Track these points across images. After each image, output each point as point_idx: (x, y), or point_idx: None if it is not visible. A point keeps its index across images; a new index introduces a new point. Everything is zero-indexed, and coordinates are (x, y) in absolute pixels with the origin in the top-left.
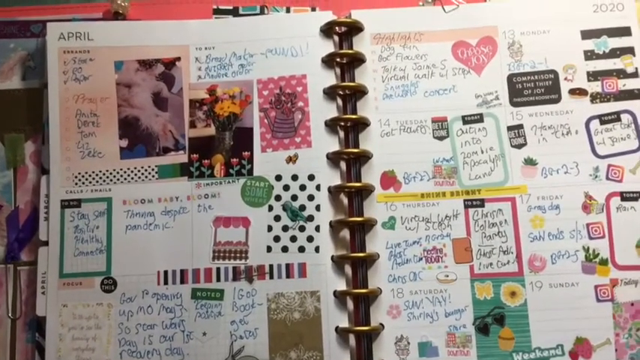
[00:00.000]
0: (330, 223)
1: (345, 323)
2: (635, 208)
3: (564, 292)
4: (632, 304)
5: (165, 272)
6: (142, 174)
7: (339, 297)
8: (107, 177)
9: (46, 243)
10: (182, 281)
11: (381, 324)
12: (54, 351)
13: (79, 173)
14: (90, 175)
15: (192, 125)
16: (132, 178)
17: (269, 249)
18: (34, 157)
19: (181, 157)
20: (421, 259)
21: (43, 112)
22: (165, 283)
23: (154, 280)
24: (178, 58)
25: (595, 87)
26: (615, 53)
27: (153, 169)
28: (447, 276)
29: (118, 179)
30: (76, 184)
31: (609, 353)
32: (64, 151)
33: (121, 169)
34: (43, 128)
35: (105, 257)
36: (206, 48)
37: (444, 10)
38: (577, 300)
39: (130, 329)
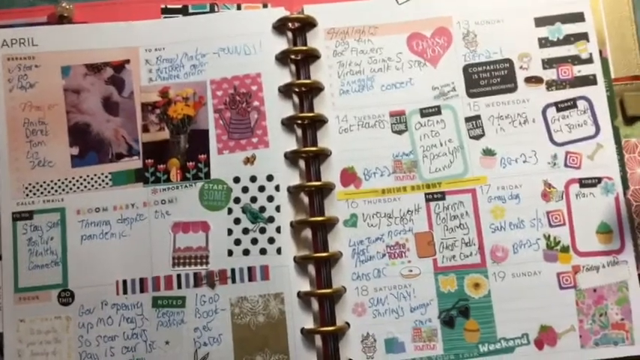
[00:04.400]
0: (291, 223)
1: (310, 324)
2: (594, 194)
3: (527, 281)
4: (595, 290)
5: (124, 282)
6: (95, 182)
7: (304, 298)
8: (59, 186)
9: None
10: (142, 290)
11: (347, 323)
12: None
13: (30, 184)
14: (41, 186)
15: (146, 129)
16: (85, 187)
17: (230, 253)
18: None
19: (135, 163)
20: (384, 255)
21: None
22: (125, 292)
23: (113, 290)
24: (127, 61)
25: (550, 74)
26: (569, 39)
27: (106, 177)
28: (411, 271)
29: (71, 188)
30: (27, 195)
31: (574, 340)
32: (13, 162)
33: (73, 178)
34: None
35: (61, 269)
36: (156, 49)
37: (397, 1)
38: (540, 288)
39: (91, 342)
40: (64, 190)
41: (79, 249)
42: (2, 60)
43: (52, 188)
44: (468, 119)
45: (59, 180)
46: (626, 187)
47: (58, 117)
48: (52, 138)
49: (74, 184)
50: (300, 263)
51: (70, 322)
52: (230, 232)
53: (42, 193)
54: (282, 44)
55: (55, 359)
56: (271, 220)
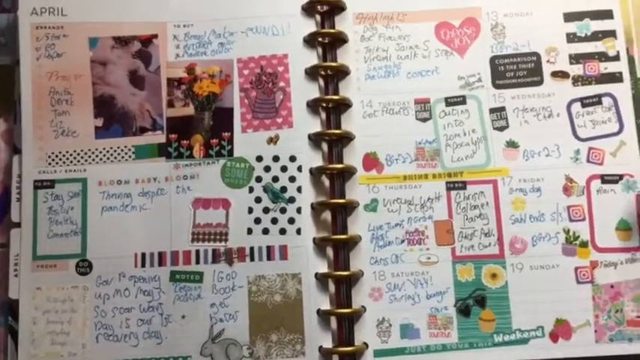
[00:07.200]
0: (312, 205)
1: (326, 306)
2: (615, 191)
3: (545, 273)
4: (612, 286)
5: (143, 254)
6: (118, 154)
7: (321, 279)
8: (82, 157)
9: (19, 224)
10: (160, 264)
11: (363, 306)
12: (27, 335)
13: (53, 153)
14: (64, 155)
15: (170, 105)
16: (107, 159)
17: (249, 231)
18: (6, 136)
19: (159, 137)
20: (403, 241)
21: (15, 90)
22: (143, 265)
23: (131, 262)
24: (155, 36)
25: (577, 70)
26: (597, 36)
27: (129, 150)
28: (429, 258)
29: (93, 159)
30: (50, 164)
31: (589, 334)
32: (37, 130)
33: (96, 149)
34: (15, 106)
35: (80, 239)
36: (184, 25)
37: None
38: (557, 282)
39: (107, 312)
40: (86, 160)
41: (99, 220)
42: (31, 28)
43: (75, 158)
44: (492, 110)
45: (82, 150)
46: None
47: (84, 88)
48: (76, 108)
49: (97, 156)
50: (319, 245)
51: (87, 292)
52: (250, 210)
53: (64, 162)
54: (310, 26)
55: (70, 328)
56: (292, 200)
